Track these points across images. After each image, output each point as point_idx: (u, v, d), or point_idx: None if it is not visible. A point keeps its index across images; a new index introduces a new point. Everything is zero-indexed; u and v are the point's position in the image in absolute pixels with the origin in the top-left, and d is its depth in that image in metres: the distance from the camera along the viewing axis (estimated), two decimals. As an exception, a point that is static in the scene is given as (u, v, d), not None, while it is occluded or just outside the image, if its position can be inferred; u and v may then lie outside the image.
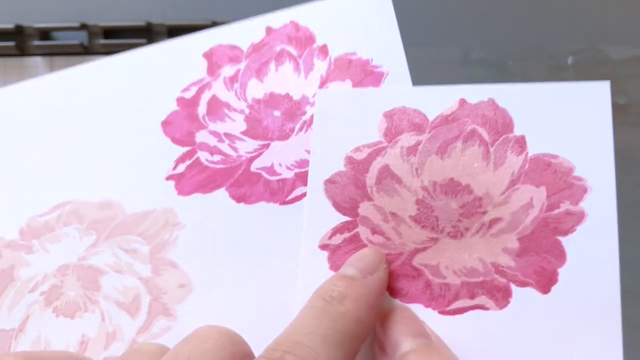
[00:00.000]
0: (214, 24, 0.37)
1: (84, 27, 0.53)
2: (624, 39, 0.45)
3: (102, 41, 0.53)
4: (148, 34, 0.52)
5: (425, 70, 0.38)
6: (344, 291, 0.29)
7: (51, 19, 0.53)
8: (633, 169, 0.38)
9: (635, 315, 0.30)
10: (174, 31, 0.37)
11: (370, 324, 0.30)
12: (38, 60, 0.54)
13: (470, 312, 0.31)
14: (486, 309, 0.31)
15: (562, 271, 0.31)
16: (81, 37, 0.53)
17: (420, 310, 0.32)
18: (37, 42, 0.53)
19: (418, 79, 0.34)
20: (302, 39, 0.37)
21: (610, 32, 0.45)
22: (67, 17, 0.52)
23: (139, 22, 0.51)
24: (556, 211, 0.31)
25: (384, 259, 0.32)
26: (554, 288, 0.31)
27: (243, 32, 0.38)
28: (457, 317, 0.31)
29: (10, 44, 0.53)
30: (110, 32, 0.53)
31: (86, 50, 0.53)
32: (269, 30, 0.37)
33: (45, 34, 0.54)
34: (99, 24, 0.52)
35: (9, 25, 0.52)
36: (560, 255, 0.31)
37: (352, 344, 0.27)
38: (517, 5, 0.47)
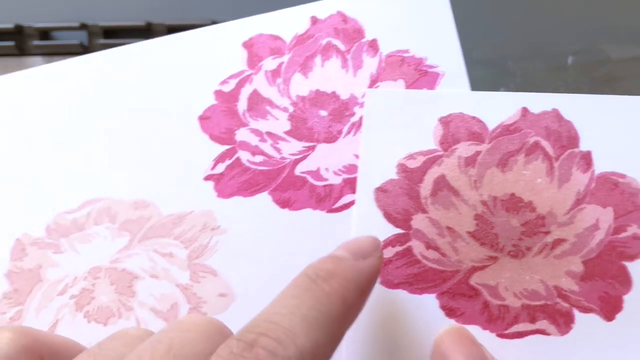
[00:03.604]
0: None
1: (84, 27, 0.52)
2: (624, 39, 0.43)
3: (102, 41, 0.52)
4: (148, 34, 0.51)
5: None
6: (331, 270, 0.26)
7: (51, 19, 0.52)
8: None
9: None
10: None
11: (358, 310, 0.27)
12: (38, 60, 0.53)
13: (531, 337, 0.30)
14: (547, 334, 0.30)
15: (627, 298, 0.30)
16: (81, 37, 0.52)
17: (477, 332, 0.31)
18: (37, 42, 0.52)
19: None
20: (350, 32, 0.34)
21: (610, 32, 0.44)
22: (67, 17, 0.52)
23: (139, 22, 0.51)
24: (623, 235, 0.30)
25: (379, 246, 0.29)
26: (618, 316, 0.30)
27: (286, 22, 0.35)
28: (517, 341, 0.30)
29: (10, 43, 0.52)
30: (110, 32, 0.52)
31: (86, 50, 0.52)
32: (314, 20, 0.35)
33: (45, 34, 0.53)
34: (99, 24, 0.52)
35: (9, 25, 0.52)
36: (626, 282, 0.30)
37: (336, 327, 0.25)
38: (517, 5, 0.45)
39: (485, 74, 0.44)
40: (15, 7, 0.53)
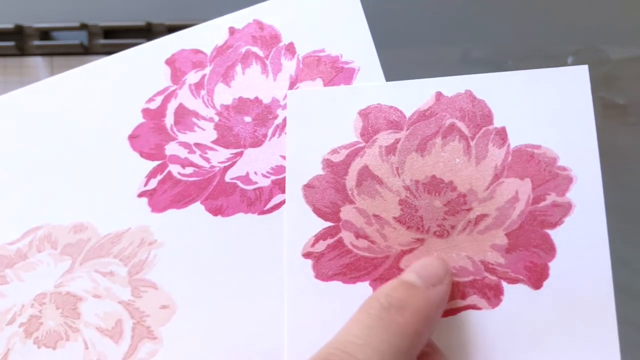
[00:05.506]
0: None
1: (84, 27, 0.52)
2: (624, 39, 0.44)
3: (102, 41, 0.52)
4: (148, 34, 0.52)
5: (425, 70, 0.37)
6: (403, 299, 0.27)
7: (51, 19, 0.53)
8: (633, 170, 0.37)
9: (632, 314, 0.30)
10: (174, 31, 0.36)
11: (427, 338, 0.27)
12: (38, 60, 0.53)
13: (463, 313, 0.31)
14: (479, 308, 0.31)
15: (552, 265, 0.30)
16: (81, 37, 0.53)
17: (411, 315, 0.31)
18: (37, 42, 0.53)
19: (418, 79, 0.33)
20: (267, 38, 0.35)
21: (610, 32, 0.44)
22: (67, 17, 0.52)
23: (139, 22, 0.51)
24: (543, 203, 0.30)
25: (450, 270, 0.30)
26: (545, 283, 0.30)
27: (205, 35, 0.36)
28: (450, 318, 0.31)
29: (10, 44, 0.52)
30: (110, 32, 0.53)
31: (86, 50, 0.53)
32: (232, 30, 0.36)
33: (45, 34, 0.53)
34: (99, 24, 0.52)
35: (9, 25, 0.52)
36: (549, 249, 0.30)
37: (406, 359, 0.26)
38: (517, 5, 0.46)
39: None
40: (15, 7, 0.53)
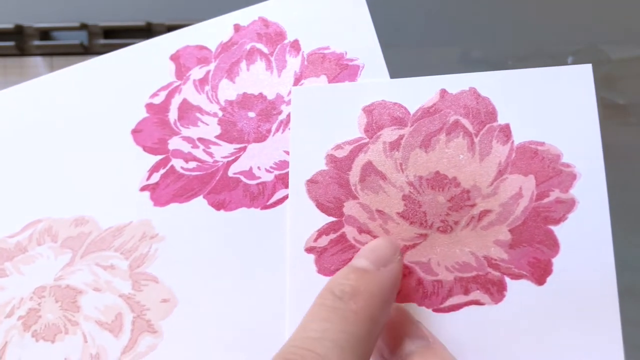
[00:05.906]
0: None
1: (84, 27, 0.52)
2: (624, 39, 0.44)
3: (102, 41, 0.52)
4: (148, 34, 0.51)
5: (429, 68, 0.37)
6: (355, 285, 0.27)
7: (51, 19, 0.53)
8: (633, 169, 0.37)
9: (634, 315, 0.30)
10: (174, 31, 0.36)
11: (385, 321, 0.28)
12: (38, 60, 0.53)
13: (466, 309, 0.31)
14: (482, 304, 0.31)
15: (556, 261, 0.30)
16: (81, 37, 0.53)
17: (414, 309, 0.31)
18: (37, 42, 0.53)
19: (422, 76, 0.33)
20: (272, 35, 0.35)
21: (610, 32, 0.44)
22: (67, 17, 0.52)
23: (139, 22, 0.51)
24: (546, 200, 0.30)
25: (398, 249, 0.30)
26: (549, 279, 0.30)
27: (210, 32, 0.36)
28: (453, 314, 0.31)
29: (10, 44, 0.52)
30: (110, 32, 0.53)
31: (86, 50, 0.52)
32: (237, 27, 0.36)
33: (45, 34, 0.53)
34: (99, 24, 0.52)
35: (9, 25, 0.52)
36: (553, 245, 0.30)
37: (366, 345, 0.25)
38: (517, 5, 0.46)
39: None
40: (15, 7, 0.53)
